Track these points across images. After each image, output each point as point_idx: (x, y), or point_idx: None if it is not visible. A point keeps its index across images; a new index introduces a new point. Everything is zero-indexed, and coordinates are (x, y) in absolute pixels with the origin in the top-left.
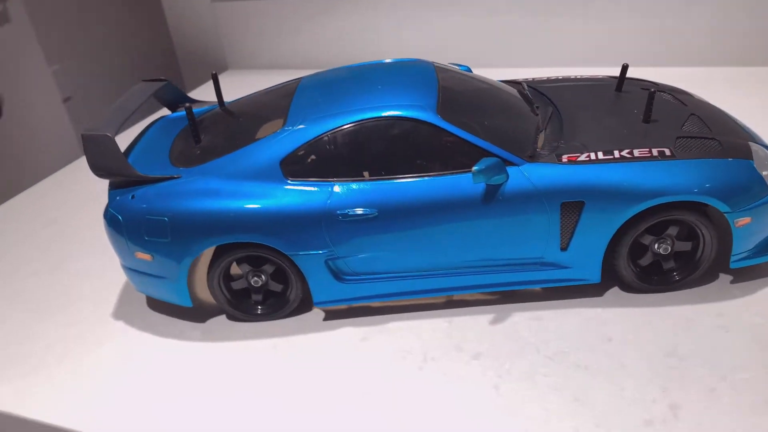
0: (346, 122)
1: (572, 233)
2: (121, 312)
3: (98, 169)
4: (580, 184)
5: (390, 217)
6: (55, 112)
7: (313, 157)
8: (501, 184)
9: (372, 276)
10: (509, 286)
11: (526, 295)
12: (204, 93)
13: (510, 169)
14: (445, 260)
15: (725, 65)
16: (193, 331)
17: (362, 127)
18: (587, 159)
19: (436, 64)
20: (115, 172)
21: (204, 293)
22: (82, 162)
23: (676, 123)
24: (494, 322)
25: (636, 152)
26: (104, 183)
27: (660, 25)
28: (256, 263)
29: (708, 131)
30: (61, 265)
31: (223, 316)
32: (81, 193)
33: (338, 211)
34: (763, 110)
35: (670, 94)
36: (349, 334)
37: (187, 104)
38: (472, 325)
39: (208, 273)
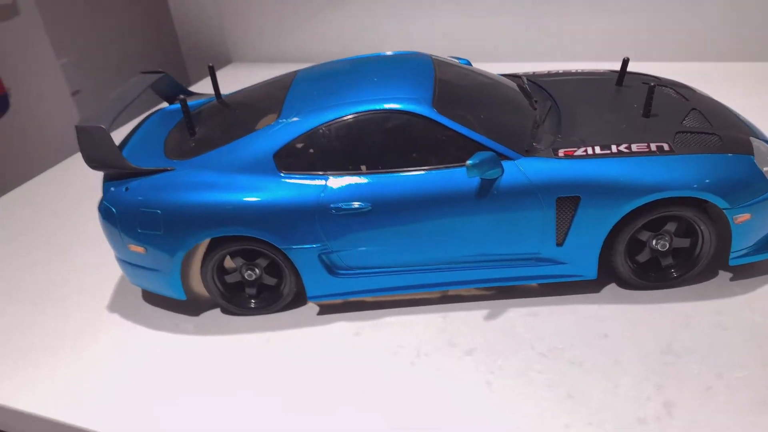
0: (340, 115)
1: (568, 229)
2: (117, 305)
3: (92, 161)
4: (575, 178)
5: (384, 212)
6: (64, 106)
7: (306, 150)
8: (496, 179)
9: (366, 270)
10: (505, 282)
11: (522, 290)
12: (207, 86)
13: (505, 164)
14: (439, 255)
15: (729, 60)
16: (187, 324)
17: (357, 120)
18: (584, 153)
19: (434, 57)
20: (109, 164)
21: (199, 286)
22: None
23: (677, 118)
24: (489, 317)
25: (634, 147)
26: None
27: (664, 19)
28: (249, 257)
29: (709, 126)
30: (59, 257)
31: (218, 310)
32: (82, 185)
33: (332, 205)
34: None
35: (671, 88)
36: (343, 328)
37: (181, 96)
38: (466, 321)
39: (202, 266)
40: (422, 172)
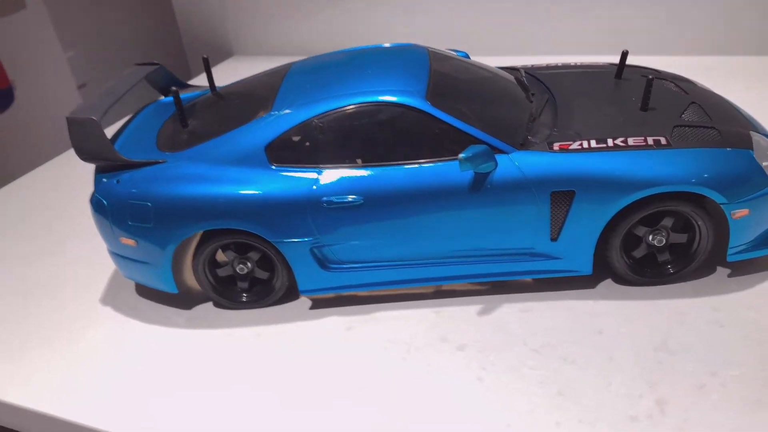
0: (332, 107)
1: (563, 224)
2: (111, 298)
3: (83, 153)
4: (570, 172)
5: (376, 205)
6: (70, 99)
7: (298, 142)
8: (489, 172)
9: (358, 265)
10: (499, 277)
11: (516, 286)
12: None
13: (499, 157)
14: (432, 249)
15: (731, 54)
16: (179, 317)
17: (349, 113)
18: (579, 147)
19: (430, 50)
20: (100, 156)
21: (192, 280)
22: None
23: (676, 111)
24: (482, 313)
25: (630, 141)
26: None
27: (664, 12)
28: (241, 250)
29: (708, 120)
30: (53, 250)
31: (210, 303)
32: (79, 178)
33: (323, 198)
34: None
35: (672, 81)
36: (335, 323)
37: (174, 88)
38: (459, 316)
39: (194, 259)
40: (415, 166)
